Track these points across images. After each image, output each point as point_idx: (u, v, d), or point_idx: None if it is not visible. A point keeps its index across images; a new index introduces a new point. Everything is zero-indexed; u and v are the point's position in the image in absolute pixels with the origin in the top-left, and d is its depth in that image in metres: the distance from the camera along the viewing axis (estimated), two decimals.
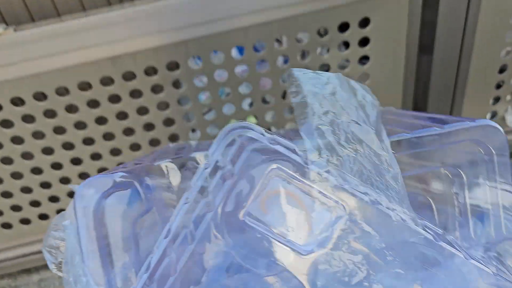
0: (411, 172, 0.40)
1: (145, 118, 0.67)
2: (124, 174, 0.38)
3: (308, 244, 0.35)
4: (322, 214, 0.34)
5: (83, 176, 0.71)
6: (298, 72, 0.36)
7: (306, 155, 0.34)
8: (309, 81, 0.36)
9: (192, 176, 0.38)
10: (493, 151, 0.38)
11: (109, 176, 0.38)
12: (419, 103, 0.77)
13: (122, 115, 0.66)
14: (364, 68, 0.69)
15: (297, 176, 0.34)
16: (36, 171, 0.69)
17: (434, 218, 0.42)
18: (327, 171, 0.33)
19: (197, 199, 0.34)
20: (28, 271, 0.84)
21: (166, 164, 0.41)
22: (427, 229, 0.35)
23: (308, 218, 0.35)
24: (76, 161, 0.69)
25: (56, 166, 0.69)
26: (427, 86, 0.74)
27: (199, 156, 0.42)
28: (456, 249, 0.35)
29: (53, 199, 0.73)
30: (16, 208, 0.74)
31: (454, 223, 0.41)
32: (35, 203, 0.73)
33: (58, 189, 0.72)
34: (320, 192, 0.34)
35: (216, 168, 0.34)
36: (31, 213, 0.74)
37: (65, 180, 0.71)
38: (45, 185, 0.71)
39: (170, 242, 0.34)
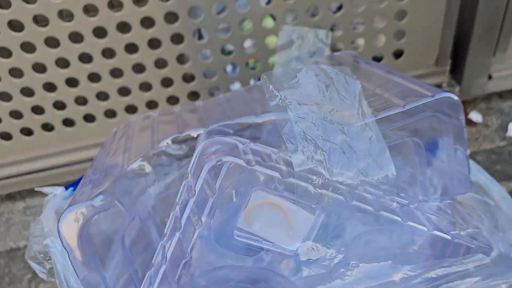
0: None
1: (143, 10, 0.56)
2: (102, 197, 0.40)
3: (293, 245, 0.38)
4: (304, 216, 0.37)
5: (70, 82, 0.61)
6: (269, 76, 0.37)
7: (287, 160, 0.35)
8: (283, 82, 0.36)
9: (163, 164, 0.44)
10: (450, 118, 0.41)
11: (88, 203, 0.39)
12: (462, 36, 0.66)
13: (113, 3, 0.55)
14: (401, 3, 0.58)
15: (277, 187, 0.36)
16: (16, 74, 0.60)
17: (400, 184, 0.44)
18: (313, 169, 0.34)
19: (183, 218, 0.36)
20: (12, 197, 0.75)
21: (138, 165, 0.42)
22: (398, 210, 0.38)
23: (291, 222, 0.37)
24: (62, 63, 0.59)
25: (38, 67, 0.59)
26: (472, 22, 0.64)
27: (167, 142, 0.43)
28: (422, 224, 0.39)
29: (37, 109, 0.64)
30: None
31: (415, 181, 0.45)
32: (16, 114, 0.64)
33: (41, 97, 0.62)
34: (301, 194, 0.35)
35: (196, 187, 0.35)
36: (12, 126, 0.65)
37: (49, 86, 0.61)
38: (27, 91, 0.61)
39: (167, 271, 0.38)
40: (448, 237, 0.40)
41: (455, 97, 0.40)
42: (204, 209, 0.36)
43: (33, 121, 0.64)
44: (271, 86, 0.36)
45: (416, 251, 0.41)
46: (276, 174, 0.35)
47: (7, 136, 0.66)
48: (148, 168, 0.43)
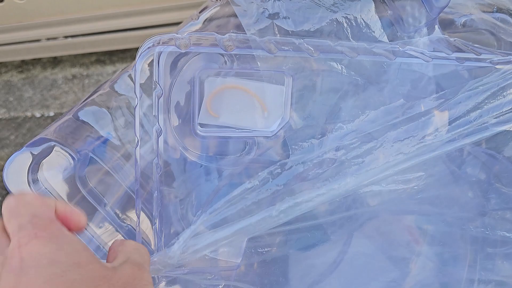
0: None
1: None
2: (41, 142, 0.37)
3: (272, 125, 0.32)
4: (273, 89, 0.31)
5: None
6: None
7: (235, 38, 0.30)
8: None
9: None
10: None
11: (27, 150, 0.37)
12: None
13: None
14: None
15: (227, 67, 0.31)
16: None
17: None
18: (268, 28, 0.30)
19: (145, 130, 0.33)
20: (102, 62, 0.75)
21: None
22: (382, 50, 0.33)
23: (261, 100, 0.32)
24: None
25: None
26: None
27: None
28: (417, 57, 0.34)
29: None
30: None
31: (388, 22, 0.39)
32: None
33: None
34: (261, 65, 0.30)
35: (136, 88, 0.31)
36: None
37: None
38: None
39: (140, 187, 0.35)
40: (451, 62, 0.34)
41: None
42: (159, 114, 0.31)
43: None
44: None
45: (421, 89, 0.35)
46: (220, 50, 0.29)
47: None
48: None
